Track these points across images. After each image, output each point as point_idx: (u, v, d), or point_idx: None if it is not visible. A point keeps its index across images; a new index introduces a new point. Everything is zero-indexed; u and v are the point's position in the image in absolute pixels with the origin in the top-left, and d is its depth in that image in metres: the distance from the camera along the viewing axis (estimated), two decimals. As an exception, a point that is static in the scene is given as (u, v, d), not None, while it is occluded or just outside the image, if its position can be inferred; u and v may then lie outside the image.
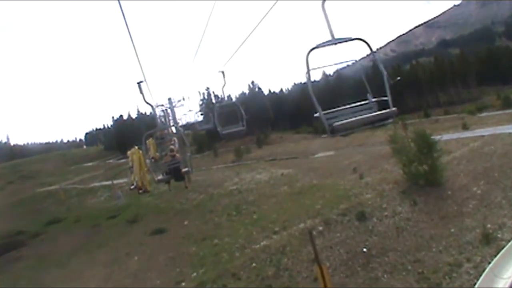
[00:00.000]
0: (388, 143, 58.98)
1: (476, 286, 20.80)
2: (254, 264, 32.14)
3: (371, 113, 11.74)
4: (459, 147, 51.14)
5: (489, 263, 19.99)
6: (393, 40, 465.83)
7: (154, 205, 59.94)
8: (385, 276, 27.99)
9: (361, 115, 11.52)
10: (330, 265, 29.67)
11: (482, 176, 40.37)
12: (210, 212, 50.19)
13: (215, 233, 42.40)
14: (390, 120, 11.57)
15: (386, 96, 11.27)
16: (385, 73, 11.39)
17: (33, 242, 58.18)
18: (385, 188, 41.63)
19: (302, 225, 37.15)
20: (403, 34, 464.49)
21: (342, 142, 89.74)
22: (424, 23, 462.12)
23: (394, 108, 11.07)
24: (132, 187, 26.56)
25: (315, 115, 11.80)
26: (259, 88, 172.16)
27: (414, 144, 41.40)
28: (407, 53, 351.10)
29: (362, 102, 12.79)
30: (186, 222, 48.65)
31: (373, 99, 12.57)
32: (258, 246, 35.55)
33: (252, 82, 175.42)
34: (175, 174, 22.19)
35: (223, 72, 19.68)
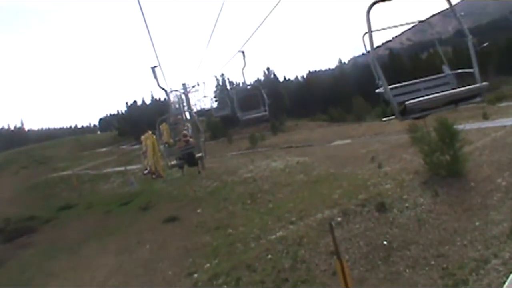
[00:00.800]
0: (407, 132, 58.24)
1: (506, 286, 19.56)
2: (270, 256, 30.88)
3: (450, 89, 10.50)
4: (480, 137, 49.44)
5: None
6: (409, 29, 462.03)
7: (167, 192, 59.10)
8: (407, 270, 26.57)
9: (438, 92, 10.05)
10: (349, 258, 28.33)
11: (507, 167, 38.45)
12: (224, 200, 49.25)
13: (229, 222, 41.38)
14: (478, 99, 10.28)
15: (469, 68, 10.20)
16: (470, 36, 10.76)
17: (44, 228, 57.79)
18: (405, 179, 40.13)
19: (319, 216, 35.86)
20: (420, 22, 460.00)
21: (358, 131, 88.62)
22: (441, 12, 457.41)
23: (484, 83, 9.76)
24: (146, 172, 26.07)
25: (378, 90, 11.71)
26: (275, 75, 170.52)
27: (436, 134, 39.65)
28: (424, 42, 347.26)
29: (438, 76, 12.31)
30: (199, 210, 47.75)
31: (451, 72, 11.86)
32: (274, 236, 34.37)
33: (268, 69, 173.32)
34: (188, 159, 22.03)
35: (243, 53, 18.39)
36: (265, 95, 20.27)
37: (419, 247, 28.72)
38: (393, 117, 10.63)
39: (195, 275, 31.67)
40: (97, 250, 43.46)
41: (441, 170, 38.94)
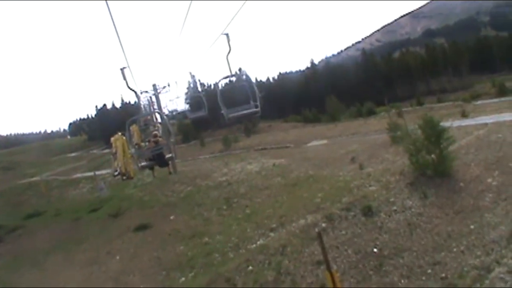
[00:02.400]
0: (386, 132, 56.61)
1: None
2: (250, 267, 28.29)
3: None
4: (463, 135, 47.57)
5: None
6: (378, 30, 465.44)
7: (138, 197, 56.29)
8: (402, 281, 24.38)
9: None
10: (338, 268, 25.84)
11: (495, 167, 36.80)
12: (198, 206, 46.54)
13: (205, 230, 38.76)
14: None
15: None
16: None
17: (10, 238, 54.69)
18: (391, 180, 37.94)
19: (302, 221, 33.33)
20: (389, 24, 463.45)
21: (334, 131, 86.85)
22: (409, 13, 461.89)
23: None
24: (116, 173, 24.32)
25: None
26: (247, 76, 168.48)
27: (422, 132, 37.61)
28: (393, 43, 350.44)
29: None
30: (172, 217, 45.05)
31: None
32: (254, 245, 31.76)
33: (240, 69, 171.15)
34: (158, 160, 21.97)
35: (227, 35, 16.48)
36: (256, 89, 18.21)
37: (413, 254, 26.49)
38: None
39: (170, 291, 29.06)
40: (64, 262, 40.49)
41: (427, 170, 37.07)
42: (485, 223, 28.49)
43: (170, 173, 33.23)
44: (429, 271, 24.53)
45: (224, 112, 17.95)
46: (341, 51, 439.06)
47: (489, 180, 34.63)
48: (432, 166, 36.76)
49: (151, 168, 23.48)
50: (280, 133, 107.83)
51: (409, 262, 25.73)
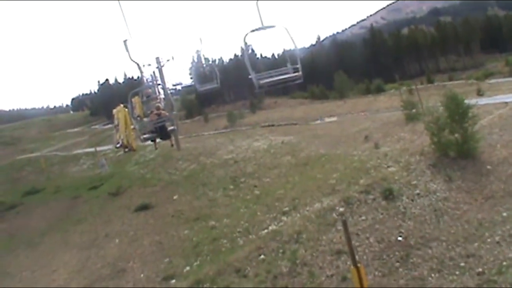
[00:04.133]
0: (400, 109, 54.70)
1: None
2: (262, 256, 25.57)
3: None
4: (483, 114, 44.61)
5: None
6: (383, 8, 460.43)
7: (139, 175, 53.86)
8: (433, 275, 21.81)
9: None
10: (360, 258, 23.05)
11: None
12: (203, 185, 44.10)
13: (211, 212, 36.30)
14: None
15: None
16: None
17: (7, 215, 52.91)
18: (410, 160, 35.21)
19: (317, 205, 30.58)
20: (394, 2, 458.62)
21: (343, 108, 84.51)
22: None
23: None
24: (118, 145, 23.45)
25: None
26: (253, 50, 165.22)
27: (445, 110, 34.92)
28: (398, 21, 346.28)
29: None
30: (175, 197, 42.63)
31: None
32: (265, 231, 29.09)
33: (245, 43, 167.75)
34: (161, 132, 20.98)
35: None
36: (295, 44, 16.31)
37: (442, 245, 23.88)
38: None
39: (173, 281, 26.37)
40: (60, 243, 38.42)
41: (450, 150, 34.39)
42: None
43: (172, 145, 31.95)
44: (462, 264, 21.94)
45: (253, 78, 15.32)
46: (345, 29, 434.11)
47: None
48: (456, 147, 34.07)
49: (153, 140, 22.44)
50: (287, 110, 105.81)
51: (439, 253, 23.13)
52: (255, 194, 37.64)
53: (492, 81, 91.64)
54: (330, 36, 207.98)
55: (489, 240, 23.45)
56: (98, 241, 36.28)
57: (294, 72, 15.62)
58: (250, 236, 28.93)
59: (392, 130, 49.82)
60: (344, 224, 18.59)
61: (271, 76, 15.70)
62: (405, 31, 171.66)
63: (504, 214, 25.81)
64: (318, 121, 74.99)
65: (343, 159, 40.75)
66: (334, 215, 28.03)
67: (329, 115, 79.65)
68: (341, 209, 28.78)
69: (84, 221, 42.62)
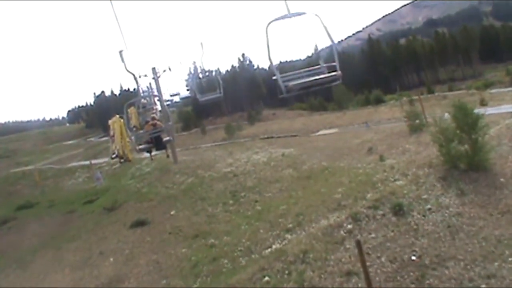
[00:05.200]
0: (403, 120, 54.05)
1: None
2: (267, 278, 23.68)
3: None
4: (490, 125, 43.21)
5: None
6: (379, 19, 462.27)
7: (135, 189, 52.35)
8: (452, 298, 19.95)
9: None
10: (372, 280, 21.23)
11: None
12: (201, 200, 42.53)
13: (210, 229, 34.55)
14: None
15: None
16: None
17: (-1, 231, 50.98)
18: (419, 173, 33.63)
19: (323, 222, 28.83)
20: (390, 14, 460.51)
21: (343, 119, 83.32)
22: (411, 2, 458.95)
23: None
24: (113, 156, 23.30)
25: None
26: (250, 62, 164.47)
27: (453, 120, 33.56)
28: (394, 32, 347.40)
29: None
30: (173, 212, 41.06)
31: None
32: (269, 250, 27.25)
33: (243, 55, 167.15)
34: (156, 142, 21.74)
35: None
36: (333, 40, 14.81)
37: (460, 264, 22.10)
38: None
39: (171, 305, 24.70)
40: (53, 262, 36.78)
41: (460, 162, 32.90)
42: None
43: (168, 156, 31.89)
44: (483, 286, 20.21)
45: (278, 80, 13.49)
46: (342, 40, 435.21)
47: None
48: (466, 158, 32.57)
49: (149, 151, 23.27)
50: (285, 121, 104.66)
51: (457, 274, 21.39)
52: (257, 209, 35.99)
53: (493, 90, 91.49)
54: (327, 47, 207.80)
55: (510, 259, 21.77)
56: (92, 259, 34.57)
57: (330, 72, 13.97)
58: (253, 256, 27.14)
59: (396, 141, 48.41)
60: (358, 244, 17.11)
61: (301, 77, 13.95)
62: (402, 41, 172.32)
63: None
64: (318, 133, 73.82)
65: (348, 172, 39.23)
66: (342, 232, 26.35)
67: (329, 126, 78.52)
68: (349, 226, 27.06)
69: (78, 238, 41.05)
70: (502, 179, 30.48)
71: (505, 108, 55.57)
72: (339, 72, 13.28)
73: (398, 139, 49.06)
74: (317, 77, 13.49)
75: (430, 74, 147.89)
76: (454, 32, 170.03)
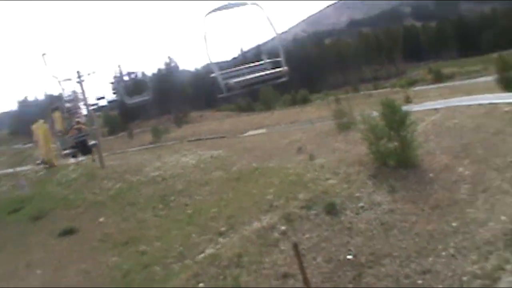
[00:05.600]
0: (331, 119, 54.69)
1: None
2: (201, 285, 23.16)
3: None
4: (416, 121, 43.97)
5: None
6: (303, 20, 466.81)
7: (62, 196, 50.34)
8: (390, 296, 19.90)
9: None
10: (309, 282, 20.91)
11: (464, 155, 33.43)
12: (130, 205, 41.24)
13: (140, 235, 33.47)
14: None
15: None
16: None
17: None
18: (350, 172, 33.83)
19: (256, 224, 28.37)
20: (314, 14, 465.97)
21: (271, 119, 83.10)
22: (334, 3, 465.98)
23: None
24: (38, 162, 22.51)
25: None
26: (176, 64, 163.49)
27: (382, 118, 34.16)
28: (318, 33, 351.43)
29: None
30: (101, 219, 39.63)
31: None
32: (202, 255, 26.50)
33: (169, 57, 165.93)
34: (82, 147, 21.28)
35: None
36: (276, 31, 14.30)
37: (395, 261, 22.28)
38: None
39: (101, 317, 23.70)
40: (-24, 276, 34.70)
41: (389, 159, 33.39)
42: (469, 219, 24.80)
43: (93, 160, 31.15)
44: (420, 281, 20.49)
45: (218, 77, 12.56)
46: (267, 41, 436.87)
47: (461, 169, 31.25)
48: (395, 155, 33.14)
49: (74, 155, 23.15)
50: (213, 123, 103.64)
51: (393, 271, 21.53)
52: (187, 213, 35.10)
53: (417, 88, 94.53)
54: (253, 48, 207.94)
55: (443, 253, 22.06)
56: (18, 272, 32.86)
57: (274, 68, 13.22)
58: (186, 261, 26.29)
59: (325, 140, 48.59)
60: (295, 248, 16.72)
61: (242, 74, 13.08)
62: (327, 42, 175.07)
63: (454, 224, 24.61)
64: (246, 134, 73.43)
65: (278, 172, 38.80)
66: (276, 234, 26.04)
67: (257, 127, 78.08)
68: (283, 227, 26.81)
69: (2, 250, 39.14)
70: (431, 175, 31.16)
71: (429, 105, 56.63)
72: (285, 68, 12.51)
73: (327, 138, 49.15)
74: (262, 73, 12.68)
75: (355, 73, 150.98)
76: (377, 32, 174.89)
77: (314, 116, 70.56)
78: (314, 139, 50.77)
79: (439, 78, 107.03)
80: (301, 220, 27.46)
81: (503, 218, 23.87)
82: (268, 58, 12.92)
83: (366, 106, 44.48)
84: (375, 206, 28.02)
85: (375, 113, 35.98)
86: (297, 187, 33.07)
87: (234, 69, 13.09)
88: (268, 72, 12.62)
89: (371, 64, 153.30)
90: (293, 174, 37.00)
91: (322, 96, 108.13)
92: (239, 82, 12.17)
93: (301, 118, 76.13)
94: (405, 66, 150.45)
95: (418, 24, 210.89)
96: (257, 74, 12.49)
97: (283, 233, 26.09)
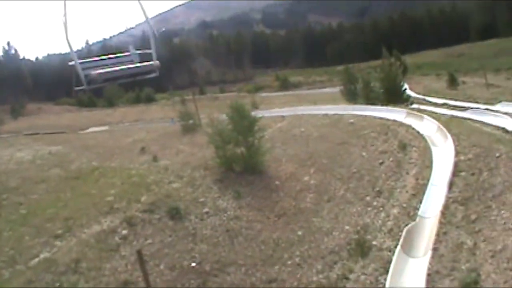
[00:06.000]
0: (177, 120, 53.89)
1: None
2: (35, 292, 21.57)
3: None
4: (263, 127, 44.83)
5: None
6: (152, 18, 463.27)
7: None
8: (235, 305, 19.80)
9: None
10: (151, 290, 20.24)
11: (310, 163, 34.70)
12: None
13: (-35, 237, 30.78)
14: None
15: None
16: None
17: None
18: (195, 175, 33.57)
19: (96, 227, 26.91)
20: (164, 12, 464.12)
21: (114, 117, 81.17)
22: (185, 3, 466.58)
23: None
24: None
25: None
26: (16, 51, 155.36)
27: (230, 121, 34.56)
28: (167, 32, 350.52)
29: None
30: None
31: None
32: (36, 260, 24.58)
33: (8, 43, 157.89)
34: None
35: None
36: (150, 24, 12.76)
37: (241, 270, 22.23)
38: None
39: None
40: None
41: (236, 165, 33.81)
42: (314, 229, 25.62)
43: None
44: (264, 291, 20.28)
45: (77, 67, 11.27)
46: (114, 35, 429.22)
47: (306, 178, 32.39)
48: (242, 161, 33.61)
49: None
50: (52, 117, 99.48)
51: (238, 279, 21.47)
52: (21, 213, 32.65)
53: (264, 94, 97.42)
54: (99, 41, 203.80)
55: (289, 262, 22.38)
56: None
57: (143, 62, 11.98)
58: (18, 267, 24.24)
59: (169, 141, 48.50)
60: (139, 254, 16.02)
61: (107, 65, 11.70)
62: (176, 41, 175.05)
63: (299, 233, 25.25)
64: (87, 130, 71.31)
65: (120, 172, 37.69)
66: (116, 238, 24.96)
67: (99, 124, 75.97)
68: (124, 232, 25.70)
69: None
70: (277, 182, 31.67)
71: (275, 111, 58.13)
72: (156, 62, 11.52)
73: (172, 140, 49.11)
74: (131, 66, 11.61)
75: (202, 75, 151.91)
76: (227, 35, 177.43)
77: (159, 116, 70.10)
78: (158, 139, 50.51)
79: (285, 85, 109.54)
80: (144, 224, 26.58)
81: (347, 227, 24.80)
82: (146, 49, 11.99)
83: (212, 109, 44.67)
84: (220, 212, 27.83)
85: (223, 117, 36.15)
86: (140, 189, 32.07)
87: (96, 59, 11.80)
88: (137, 65, 11.62)
89: (219, 67, 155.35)
90: (135, 175, 36.02)
91: (168, 96, 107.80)
92: (102, 74, 10.96)
93: (145, 117, 75.30)
94: (253, 71, 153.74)
95: (268, 31, 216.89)
96: (123, 67, 11.42)
97: (124, 237, 25.03)
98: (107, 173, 38.35)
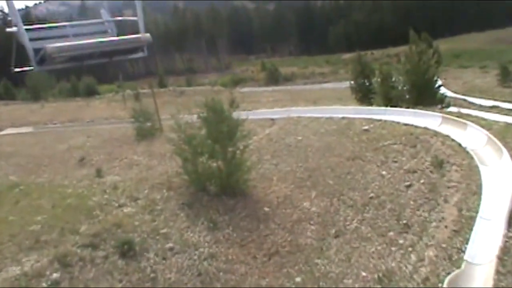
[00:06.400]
0: (130, 121, 53.52)
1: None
2: None
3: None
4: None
5: None
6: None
7: None
8: None
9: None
10: None
11: (311, 184, 34.21)
12: None
13: None
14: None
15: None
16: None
17: None
18: (155, 197, 33.08)
19: (15, 269, 26.10)
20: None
21: (41, 114, 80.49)
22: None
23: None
24: None
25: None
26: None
27: (204, 125, 33.82)
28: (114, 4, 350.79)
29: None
30: None
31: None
32: None
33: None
34: None
35: None
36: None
37: (217, 334, 21.55)
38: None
39: None
40: None
41: (210, 184, 33.29)
42: (318, 274, 24.84)
43: None
44: None
45: (23, 37, 10.83)
46: (39, 2, 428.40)
47: (306, 204, 31.79)
48: (219, 179, 32.91)
49: None
50: None
51: None
52: None
53: (245, 89, 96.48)
54: (21, 9, 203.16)
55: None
56: None
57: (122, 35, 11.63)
58: None
59: (119, 150, 48.24)
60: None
61: (68, 36, 11.02)
62: (127, 14, 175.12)
63: (298, 279, 24.64)
64: (3, 132, 70.42)
65: (50, 192, 37.18)
66: (44, 285, 24.12)
67: (20, 124, 75.27)
68: (56, 275, 24.91)
69: None
70: (266, 208, 31.21)
71: (262, 113, 57.57)
72: (146, 35, 10.93)
73: (122, 147, 48.86)
74: (105, 39, 10.80)
75: (164, 62, 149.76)
76: (196, 9, 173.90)
77: (105, 115, 69.68)
78: (103, 146, 50.23)
79: (274, 78, 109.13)
80: (83, 264, 25.84)
81: (363, 274, 24.15)
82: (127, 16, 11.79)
83: (177, 106, 44.14)
84: (190, 248, 27.20)
85: (193, 118, 35.48)
86: (78, 215, 31.28)
87: (54, 24, 11.31)
88: (114, 38, 10.98)
89: (185, 52, 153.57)
90: (72, 195, 35.36)
91: (116, 88, 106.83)
92: (64, 47, 10.09)
93: (84, 116, 74.90)
94: (231, 58, 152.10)
95: (252, 5, 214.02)
96: (94, 40, 10.67)
97: (56, 283, 24.31)
98: (32, 192, 37.70)
